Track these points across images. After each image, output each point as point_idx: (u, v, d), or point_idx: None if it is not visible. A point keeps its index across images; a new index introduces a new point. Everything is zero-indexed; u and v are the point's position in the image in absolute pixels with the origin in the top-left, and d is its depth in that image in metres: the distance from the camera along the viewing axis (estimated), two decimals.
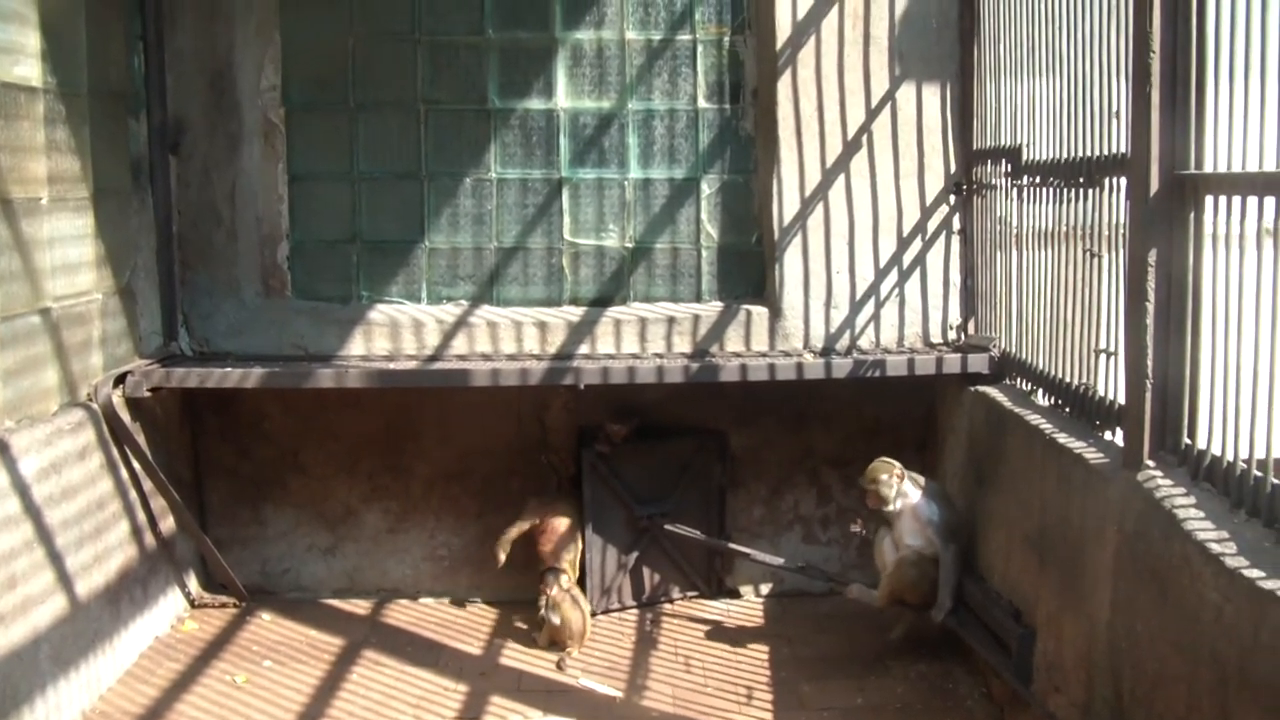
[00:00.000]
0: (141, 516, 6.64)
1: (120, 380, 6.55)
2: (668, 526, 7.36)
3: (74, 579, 5.83)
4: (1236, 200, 4.17)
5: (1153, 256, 4.62)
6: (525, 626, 7.03)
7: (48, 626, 5.55)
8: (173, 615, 6.98)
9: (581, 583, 7.30)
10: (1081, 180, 5.48)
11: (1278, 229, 3.93)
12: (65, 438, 5.91)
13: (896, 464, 6.46)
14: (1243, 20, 4.17)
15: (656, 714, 6.07)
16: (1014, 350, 6.53)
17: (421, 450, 7.54)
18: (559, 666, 6.56)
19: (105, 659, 6.13)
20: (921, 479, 6.52)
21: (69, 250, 6.16)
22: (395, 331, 7.26)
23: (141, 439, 6.62)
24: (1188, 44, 4.49)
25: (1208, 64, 4.41)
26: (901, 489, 6.41)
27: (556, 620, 6.72)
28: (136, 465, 6.57)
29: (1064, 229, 5.73)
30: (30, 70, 5.83)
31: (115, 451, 6.40)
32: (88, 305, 6.36)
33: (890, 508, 6.43)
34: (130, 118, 6.89)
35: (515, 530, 7.03)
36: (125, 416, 6.49)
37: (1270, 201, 3.97)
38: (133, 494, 6.55)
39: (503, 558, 7.00)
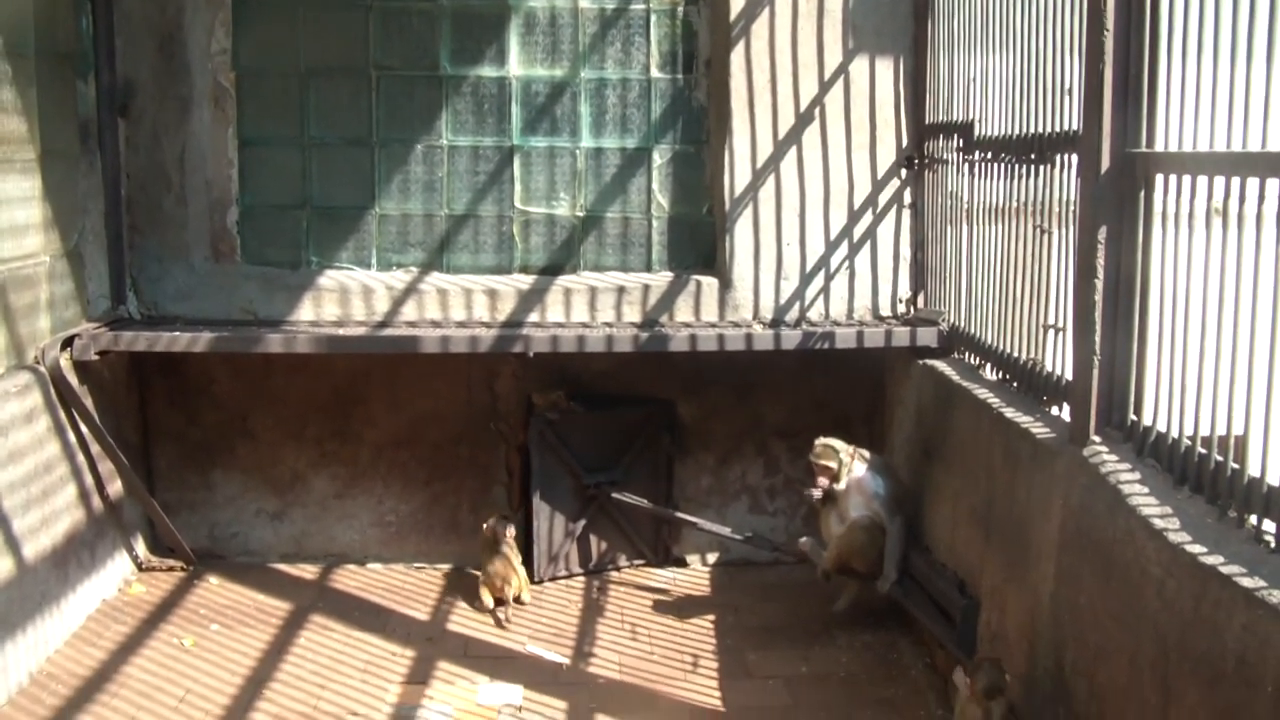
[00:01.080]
0: (89, 480, 6.60)
1: (68, 343, 6.51)
2: (615, 495, 7.39)
3: (20, 542, 5.79)
4: (1187, 179, 4.22)
5: (1102, 234, 4.67)
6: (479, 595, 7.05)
7: None
8: (120, 579, 6.95)
9: (528, 549, 7.33)
10: (1033, 156, 5.53)
11: (1227, 208, 3.97)
12: (12, 400, 5.86)
13: (842, 444, 6.49)
14: (1196, 0, 4.21)
15: (603, 681, 6.11)
16: (963, 324, 6.59)
17: (370, 416, 7.54)
18: (499, 622, 6.63)
19: (52, 622, 6.09)
20: (867, 453, 6.57)
21: (15, 212, 6.10)
22: (345, 297, 7.24)
23: (89, 402, 6.57)
24: (1141, 22, 4.53)
25: (1160, 43, 4.45)
26: (851, 466, 6.46)
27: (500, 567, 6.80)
28: (84, 428, 6.52)
29: (1015, 205, 5.77)
30: None
31: (63, 415, 6.36)
32: (35, 268, 6.30)
33: (839, 485, 6.48)
34: (78, 79, 6.81)
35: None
36: (73, 380, 6.45)
37: (1220, 181, 4.01)
38: (80, 457, 6.51)
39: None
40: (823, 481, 6.50)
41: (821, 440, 6.54)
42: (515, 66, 7.36)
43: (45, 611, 6.02)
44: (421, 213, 7.44)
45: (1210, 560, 3.65)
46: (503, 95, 7.38)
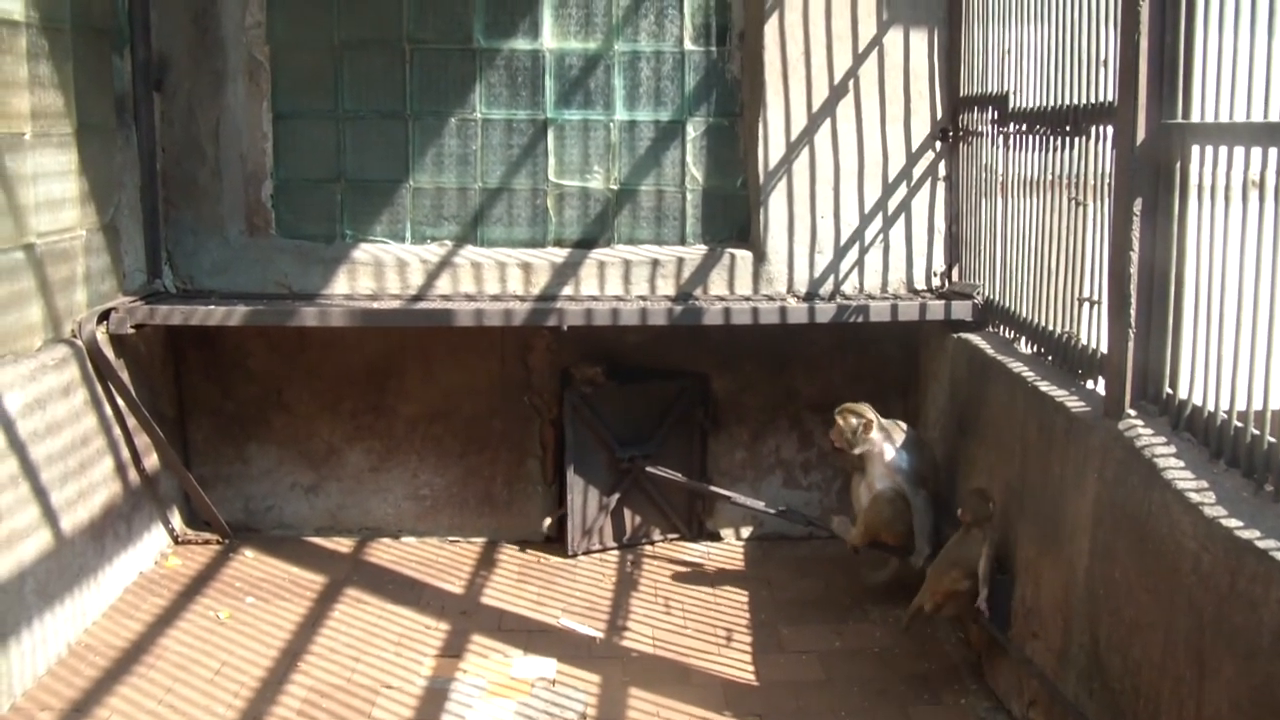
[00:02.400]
0: (125, 453, 6.64)
1: (104, 317, 6.54)
2: (649, 469, 7.39)
3: (59, 514, 5.85)
4: (1224, 150, 4.17)
5: (1138, 206, 4.63)
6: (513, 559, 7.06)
7: (33, 561, 5.57)
8: (156, 551, 7.01)
9: (562, 524, 7.35)
10: (1068, 128, 5.48)
11: (1264, 180, 3.93)
12: (49, 374, 5.90)
13: (868, 412, 6.48)
14: None
15: (636, 654, 6.12)
16: (997, 297, 6.55)
17: (404, 390, 7.56)
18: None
19: (90, 593, 6.15)
20: (901, 426, 6.55)
21: (52, 186, 6.13)
22: (379, 271, 7.25)
23: (125, 376, 6.61)
24: None
25: (1197, 13, 4.40)
26: (868, 438, 6.44)
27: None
28: (120, 402, 6.56)
29: (1050, 177, 5.73)
30: (13, 4, 5.78)
31: (99, 388, 6.40)
32: (71, 242, 6.33)
33: (856, 451, 6.48)
34: (114, 54, 6.83)
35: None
36: (109, 353, 6.49)
37: (1257, 152, 3.97)
38: (116, 430, 6.55)
39: None
40: (836, 439, 6.54)
41: (845, 405, 6.53)
42: (549, 39, 7.35)
43: (83, 584, 6.08)
44: (455, 186, 7.44)
45: (1247, 534, 3.62)
46: (536, 68, 7.37)
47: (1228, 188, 4.16)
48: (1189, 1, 4.43)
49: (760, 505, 7.40)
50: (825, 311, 7.00)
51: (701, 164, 7.45)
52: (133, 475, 6.71)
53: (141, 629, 6.17)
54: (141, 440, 6.78)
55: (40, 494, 5.70)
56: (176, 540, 7.23)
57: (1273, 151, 3.86)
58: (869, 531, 6.58)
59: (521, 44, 7.35)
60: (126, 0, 6.91)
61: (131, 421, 6.67)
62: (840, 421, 6.50)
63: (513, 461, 7.62)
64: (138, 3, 6.93)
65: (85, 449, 6.20)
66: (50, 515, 5.78)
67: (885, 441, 6.47)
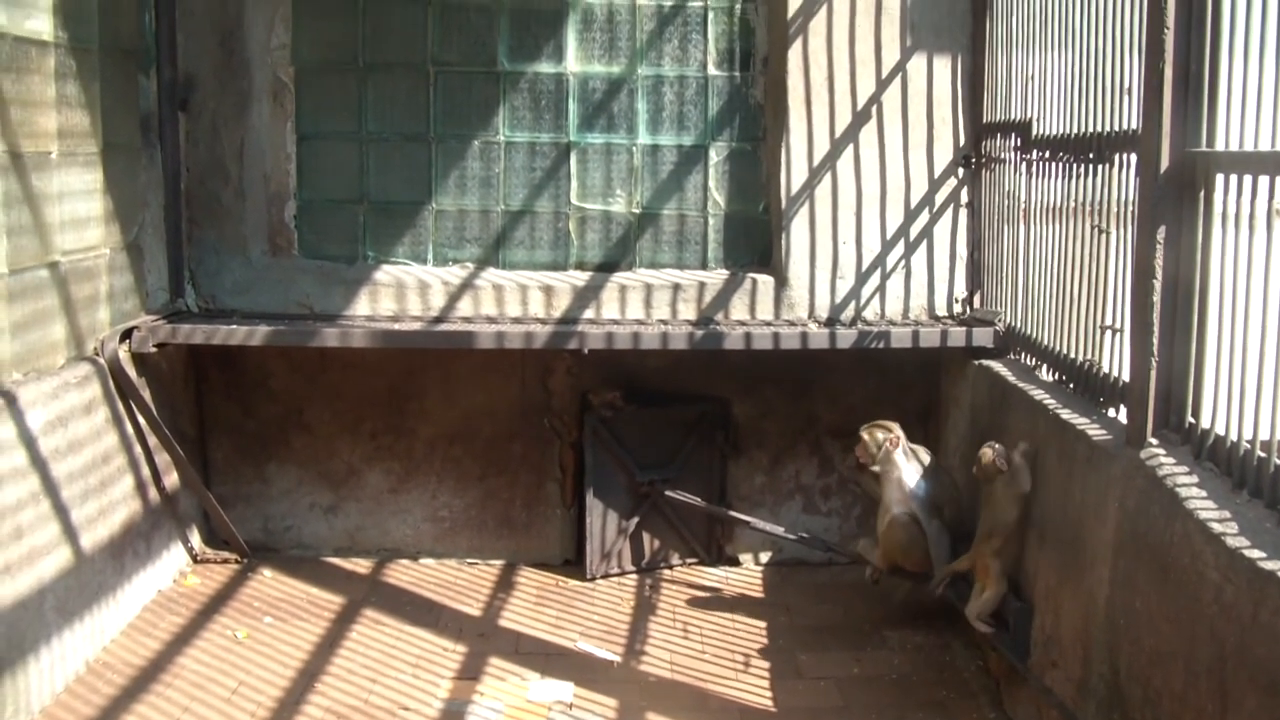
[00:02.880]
0: (146, 471, 6.66)
1: (127, 335, 6.57)
2: (669, 493, 7.38)
3: (79, 532, 5.86)
4: (1248, 179, 4.16)
5: (1161, 234, 4.62)
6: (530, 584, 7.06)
7: (53, 578, 5.59)
8: (175, 570, 7.02)
9: (581, 546, 7.35)
10: (1091, 156, 5.47)
11: None
12: (72, 391, 5.92)
13: (896, 430, 6.46)
14: None
15: (654, 679, 6.11)
16: (1019, 325, 6.54)
17: (425, 411, 7.56)
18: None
19: (109, 611, 6.16)
20: (924, 454, 6.52)
21: (77, 205, 6.16)
22: (401, 292, 7.27)
23: (147, 394, 6.63)
24: (1202, 20, 4.47)
25: (1221, 41, 4.39)
26: (892, 458, 6.41)
27: None
28: (141, 420, 6.59)
29: (1072, 204, 5.72)
30: (42, 24, 5.82)
31: (121, 406, 6.42)
32: (95, 260, 6.36)
33: (875, 468, 6.46)
34: (140, 74, 6.87)
35: None
36: (131, 371, 6.50)
37: None
38: (137, 449, 6.57)
39: None
40: (860, 454, 6.52)
41: (875, 421, 6.51)
42: (573, 63, 7.37)
43: (102, 601, 6.09)
44: (478, 208, 7.45)
45: (1270, 565, 3.60)
46: (560, 91, 7.39)
47: (1252, 216, 4.15)
48: (1214, 29, 4.43)
49: (780, 530, 7.38)
50: (846, 337, 6.99)
51: (724, 188, 7.45)
52: (153, 493, 6.73)
53: (159, 647, 6.18)
54: (162, 459, 6.80)
55: (61, 511, 5.71)
56: (195, 559, 7.24)
57: None
58: (887, 556, 6.56)
59: (545, 67, 7.37)
60: (153, 21, 6.95)
61: (152, 440, 6.69)
62: (866, 436, 6.48)
63: (532, 484, 7.62)
64: (164, 23, 6.98)
65: (106, 467, 6.22)
66: (70, 533, 5.79)
67: (908, 464, 6.44)
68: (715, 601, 7.10)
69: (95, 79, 6.30)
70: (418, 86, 7.37)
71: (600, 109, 7.42)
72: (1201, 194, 4.47)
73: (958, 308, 7.26)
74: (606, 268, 7.44)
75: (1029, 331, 6.36)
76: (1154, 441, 4.65)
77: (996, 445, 5.70)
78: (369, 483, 7.60)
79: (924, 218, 7.21)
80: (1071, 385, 5.72)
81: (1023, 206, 6.42)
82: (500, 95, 7.38)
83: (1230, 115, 4.34)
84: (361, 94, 7.37)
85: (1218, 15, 4.41)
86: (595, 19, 7.35)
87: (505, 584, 7.25)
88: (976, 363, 6.74)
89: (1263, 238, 4.08)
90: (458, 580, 7.30)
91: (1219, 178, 4.35)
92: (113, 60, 6.51)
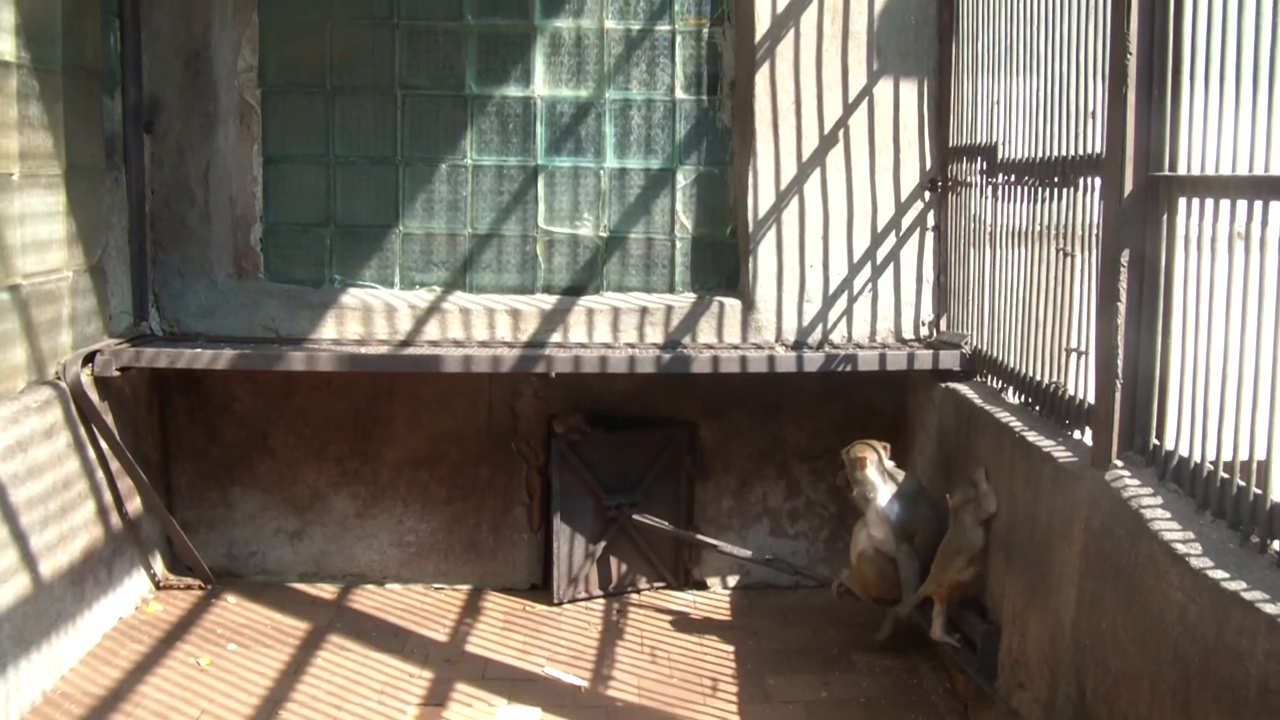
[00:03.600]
0: (108, 497, 6.60)
1: (89, 359, 6.52)
2: (636, 516, 7.36)
3: (38, 558, 5.80)
4: (1210, 202, 4.19)
5: (1125, 257, 4.64)
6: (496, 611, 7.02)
7: (9, 606, 5.52)
8: (137, 596, 6.95)
9: (548, 571, 7.32)
10: (1056, 179, 5.50)
11: (1249, 232, 3.94)
12: (32, 416, 5.87)
13: (863, 450, 6.44)
14: (1219, 23, 4.19)
15: (621, 704, 6.08)
16: (985, 347, 6.55)
17: (391, 435, 7.53)
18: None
19: (68, 639, 6.10)
20: (900, 473, 6.51)
21: (40, 227, 6.12)
22: (367, 316, 7.24)
23: (109, 419, 6.58)
24: (1164, 45, 4.51)
25: (1184, 66, 4.42)
26: (863, 475, 6.39)
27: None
28: (104, 445, 6.53)
29: (1038, 228, 5.74)
30: (4, 45, 5.78)
31: (83, 431, 6.37)
32: (58, 283, 6.32)
33: (854, 490, 6.45)
34: (105, 95, 6.84)
35: None
36: (93, 396, 6.45)
37: (1242, 204, 3.99)
38: (99, 474, 6.51)
39: None
40: (849, 477, 6.51)
41: (863, 440, 6.52)
42: (540, 86, 7.37)
43: (61, 629, 6.02)
44: (445, 232, 7.44)
45: (1233, 586, 3.61)
46: (527, 115, 7.39)
47: (1214, 239, 4.17)
48: (1176, 54, 4.46)
49: (747, 554, 7.37)
50: (813, 360, 6.98)
51: (691, 212, 7.46)
52: (115, 519, 6.67)
53: (120, 676, 6.11)
54: (125, 484, 6.74)
55: (19, 538, 5.65)
56: (158, 585, 7.18)
57: (1258, 204, 3.88)
58: (862, 588, 6.56)
59: (513, 91, 7.37)
60: (118, 42, 6.93)
61: (115, 465, 6.63)
62: (843, 456, 6.48)
63: (499, 508, 7.59)
64: (130, 44, 6.95)
65: (67, 492, 6.16)
66: (29, 559, 5.73)
67: (884, 486, 6.41)
68: (683, 625, 7.08)
69: (59, 100, 6.26)
70: (385, 109, 7.36)
71: (568, 132, 7.42)
72: (1165, 217, 4.50)
73: (924, 331, 7.27)
74: (574, 291, 7.43)
75: (995, 354, 6.37)
76: (1119, 463, 4.66)
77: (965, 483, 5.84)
78: (334, 507, 7.56)
79: (891, 241, 7.22)
80: (1037, 408, 5.73)
81: (989, 230, 6.44)
82: (468, 118, 7.37)
83: (1193, 139, 4.37)
84: (329, 117, 7.35)
85: (1179, 40, 4.44)
86: (563, 43, 7.35)
87: (472, 609, 7.21)
88: (943, 385, 6.74)
89: (1225, 260, 4.10)
90: (424, 605, 7.26)
91: (1182, 201, 4.39)
92: (77, 81, 6.47)
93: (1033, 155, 5.84)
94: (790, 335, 7.24)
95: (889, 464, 6.48)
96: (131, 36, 6.96)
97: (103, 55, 6.81)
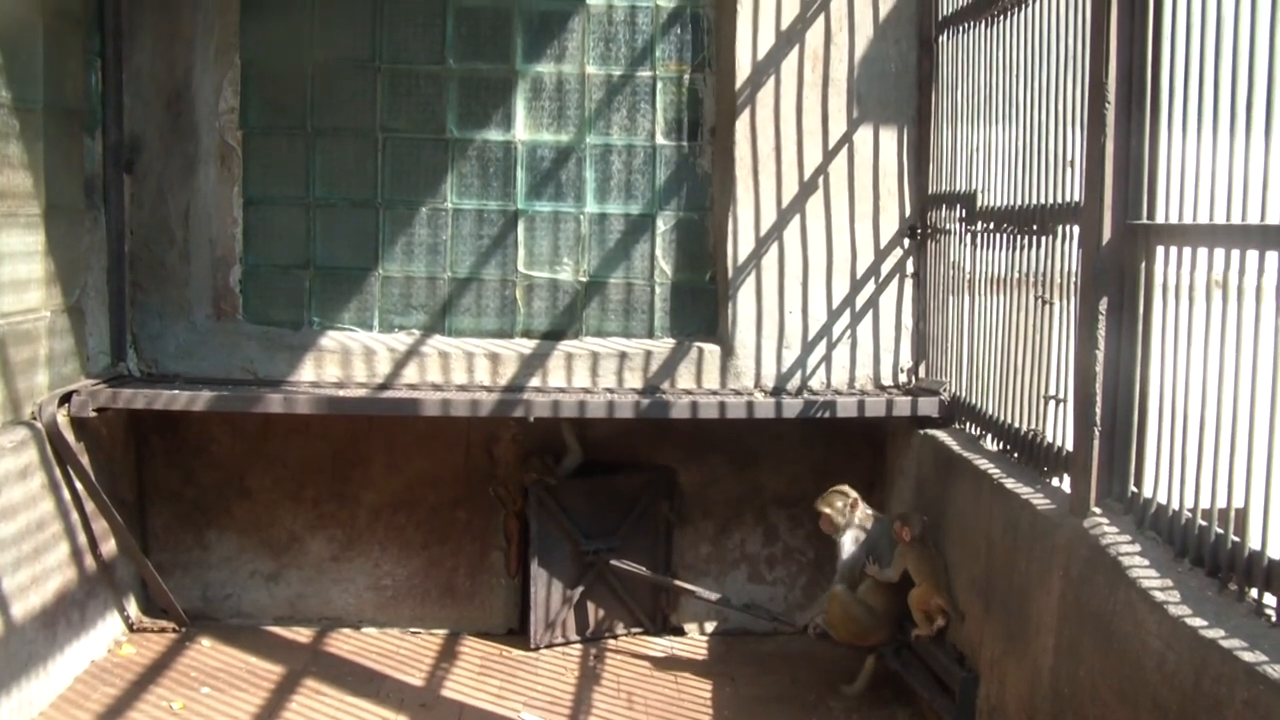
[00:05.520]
0: (82, 538, 6.55)
1: (66, 399, 6.48)
2: (614, 562, 7.33)
3: (9, 601, 5.74)
4: (1187, 251, 4.21)
5: (1103, 305, 4.66)
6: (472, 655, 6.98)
7: None
8: (110, 639, 6.89)
9: (526, 616, 7.28)
10: (1035, 227, 5.53)
11: (1227, 280, 3.96)
12: (7, 456, 5.83)
13: (823, 502, 6.52)
14: (1196, 75, 4.23)
15: None
16: (964, 394, 6.56)
17: (368, 479, 7.50)
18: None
19: (38, 683, 6.03)
20: (870, 516, 6.54)
21: (18, 267, 6.10)
22: (346, 358, 7.23)
23: (85, 460, 6.54)
24: (1142, 95, 4.55)
25: (1161, 115, 4.46)
26: (850, 518, 6.47)
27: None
28: (79, 486, 6.49)
29: (1016, 275, 5.77)
30: None
31: (58, 472, 6.33)
32: (35, 323, 6.29)
33: (838, 537, 6.50)
34: (85, 135, 6.84)
35: None
36: (69, 436, 6.41)
37: (1220, 253, 4.01)
38: (74, 515, 6.47)
39: None
40: (826, 526, 6.60)
41: (837, 488, 6.57)
42: (521, 131, 7.39)
43: (31, 672, 5.95)
44: (425, 275, 7.44)
45: (1211, 634, 3.61)
46: (508, 159, 7.40)
47: (1191, 288, 4.19)
48: (1154, 104, 4.49)
49: (725, 600, 7.34)
50: (792, 406, 6.99)
51: (670, 257, 7.47)
52: (89, 561, 6.62)
53: None
54: (99, 525, 6.70)
55: None
56: (132, 628, 7.11)
57: (1235, 253, 3.90)
58: (832, 628, 6.57)
59: (494, 135, 7.39)
60: (100, 82, 6.92)
61: (90, 506, 6.59)
62: (822, 506, 6.56)
63: (476, 553, 7.55)
64: (111, 85, 6.95)
65: (41, 533, 6.11)
66: (1, 601, 5.67)
67: (849, 530, 6.49)
68: (660, 671, 7.04)
69: (39, 139, 6.26)
70: (366, 152, 7.37)
71: (548, 177, 7.43)
72: (1143, 265, 4.53)
73: (903, 377, 7.29)
74: (553, 336, 7.43)
75: (974, 401, 6.38)
76: (1097, 510, 4.67)
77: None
78: (311, 550, 7.52)
79: (870, 288, 7.24)
80: (1016, 454, 5.74)
81: (967, 277, 6.46)
82: (449, 162, 7.39)
83: (1170, 188, 4.40)
84: (309, 159, 7.36)
85: (1157, 90, 4.48)
86: (544, 88, 7.38)
87: (448, 654, 7.17)
88: (922, 432, 6.75)
89: (1202, 308, 4.12)
90: (400, 650, 7.21)
91: (1159, 249, 4.41)
92: (57, 121, 6.47)
93: (1011, 203, 5.87)
94: (769, 381, 7.25)
95: (863, 509, 6.51)
96: (113, 77, 6.96)
97: (84, 95, 6.82)
